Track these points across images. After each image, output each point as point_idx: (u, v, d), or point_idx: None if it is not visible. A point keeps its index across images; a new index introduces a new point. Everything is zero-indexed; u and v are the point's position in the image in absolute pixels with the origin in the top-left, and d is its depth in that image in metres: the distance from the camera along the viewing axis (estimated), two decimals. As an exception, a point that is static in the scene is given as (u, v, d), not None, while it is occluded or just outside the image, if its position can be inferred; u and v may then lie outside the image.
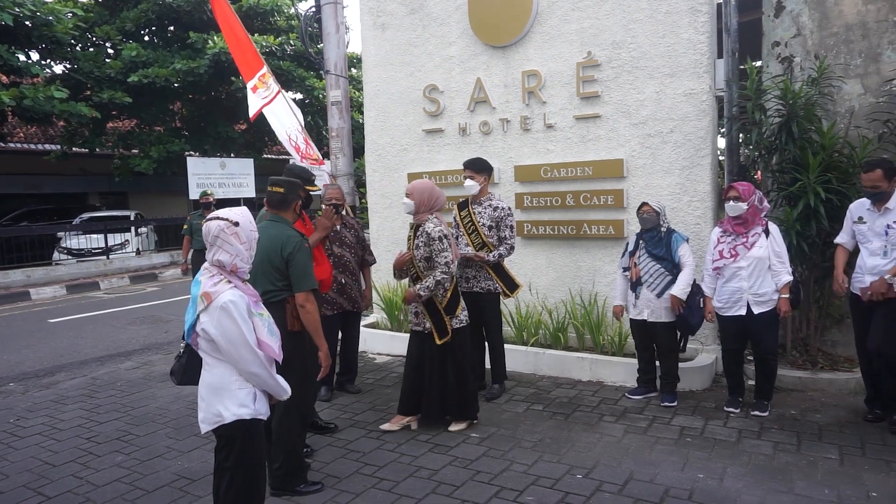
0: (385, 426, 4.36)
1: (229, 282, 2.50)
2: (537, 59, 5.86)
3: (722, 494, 3.25)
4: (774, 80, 5.10)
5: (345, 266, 4.91)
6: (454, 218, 4.98)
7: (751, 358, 4.66)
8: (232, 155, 17.71)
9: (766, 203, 4.36)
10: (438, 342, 4.16)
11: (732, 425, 4.16)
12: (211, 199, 8.72)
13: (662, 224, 4.58)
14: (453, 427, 4.29)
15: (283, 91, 7.39)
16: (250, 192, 17.68)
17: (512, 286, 4.87)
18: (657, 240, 4.55)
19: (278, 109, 7.30)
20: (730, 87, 5.34)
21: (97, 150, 16.52)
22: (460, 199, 5.07)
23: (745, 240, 4.21)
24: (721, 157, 5.83)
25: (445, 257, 4.07)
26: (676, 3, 5.17)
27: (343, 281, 4.89)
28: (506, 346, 5.12)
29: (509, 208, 4.87)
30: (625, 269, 4.75)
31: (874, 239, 3.97)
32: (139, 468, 3.92)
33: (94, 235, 15.08)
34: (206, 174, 15.29)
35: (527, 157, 5.98)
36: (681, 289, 4.42)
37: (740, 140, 5.45)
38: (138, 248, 16.10)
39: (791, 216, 4.66)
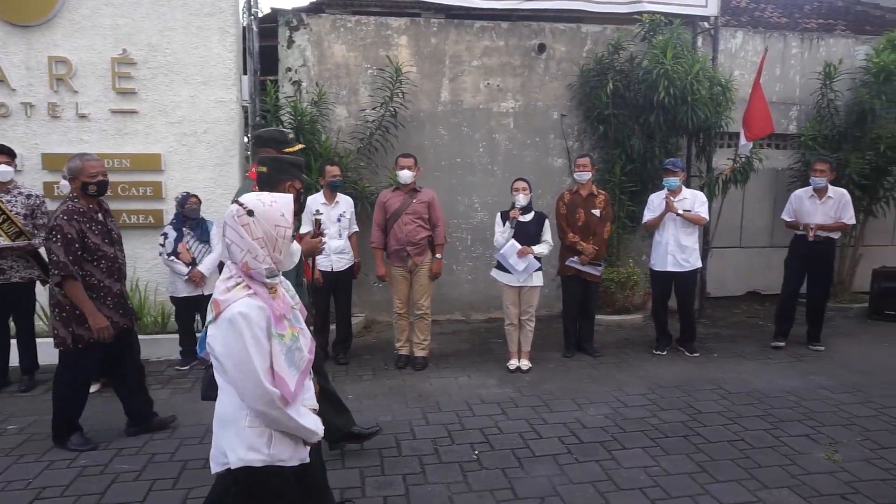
0: None
1: (247, 287, 1.94)
2: (66, 46, 5.79)
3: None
4: (288, 98, 6.38)
5: (119, 270, 3.88)
6: None
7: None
8: None
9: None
10: None
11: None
12: None
13: (200, 213, 5.36)
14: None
15: None
16: None
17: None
18: (199, 226, 5.33)
19: None
20: (253, 100, 6.40)
21: None
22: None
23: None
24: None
25: None
26: (208, 21, 5.93)
27: (119, 290, 3.87)
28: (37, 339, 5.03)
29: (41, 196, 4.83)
30: (171, 254, 5.27)
31: (331, 225, 5.38)
32: None
33: None
34: None
35: (57, 146, 5.84)
36: (207, 267, 5.29)
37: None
38: None
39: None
